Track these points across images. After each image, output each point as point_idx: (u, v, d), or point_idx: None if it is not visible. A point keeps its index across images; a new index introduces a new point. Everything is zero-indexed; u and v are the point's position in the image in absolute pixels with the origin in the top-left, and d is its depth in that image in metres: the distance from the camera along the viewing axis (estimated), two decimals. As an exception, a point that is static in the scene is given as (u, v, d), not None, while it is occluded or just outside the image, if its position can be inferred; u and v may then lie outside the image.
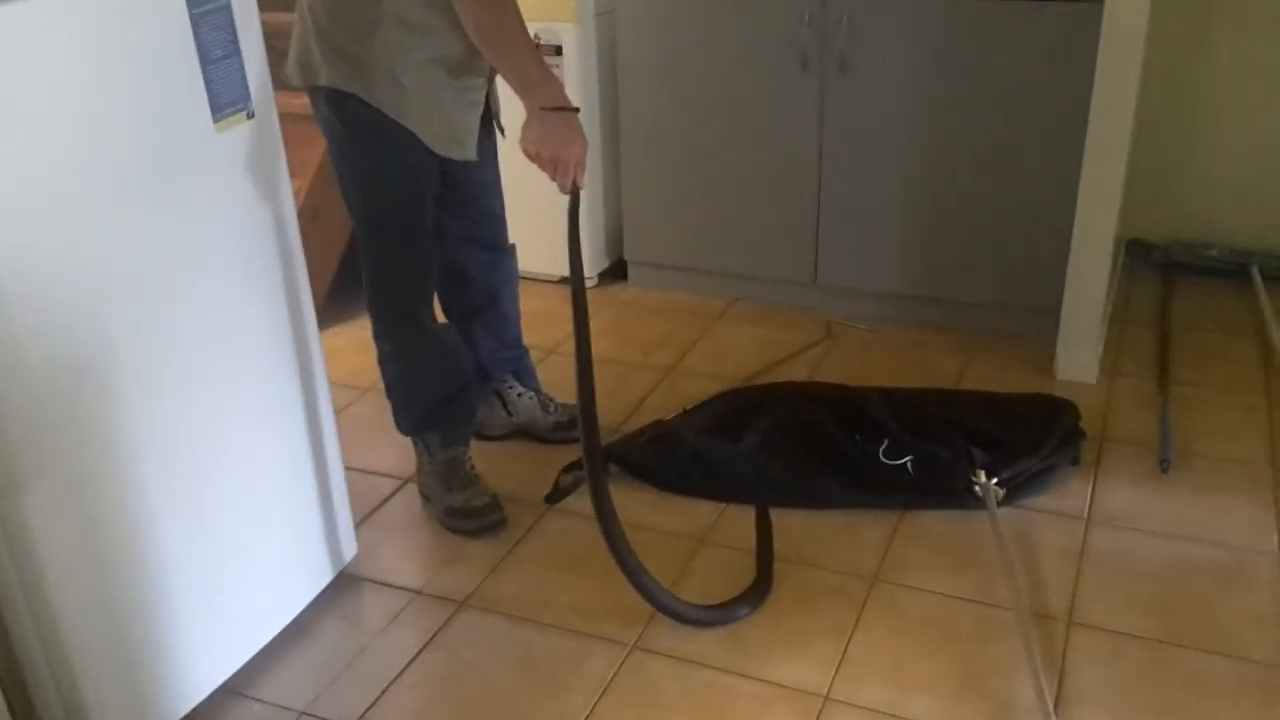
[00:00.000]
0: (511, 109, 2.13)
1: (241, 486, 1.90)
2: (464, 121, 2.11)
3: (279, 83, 1.86)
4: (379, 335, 2.31)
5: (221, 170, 1.76)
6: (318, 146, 3.07)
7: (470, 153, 2.14)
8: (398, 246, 2.20)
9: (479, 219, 2.36)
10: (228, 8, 1.70)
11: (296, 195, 1.96)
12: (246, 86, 1.77)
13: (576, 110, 2.04)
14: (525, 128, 2.02)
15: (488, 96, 2.19)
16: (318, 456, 2.07)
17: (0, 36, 1.40)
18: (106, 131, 1.56)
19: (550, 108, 2.00)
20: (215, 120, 1.72)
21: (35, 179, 1.47)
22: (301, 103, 2.23)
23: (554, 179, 2.05)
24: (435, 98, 2.05)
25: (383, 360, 2.34)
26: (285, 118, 1.89)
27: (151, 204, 1.65)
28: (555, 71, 3.12)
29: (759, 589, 2.14)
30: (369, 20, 1.98)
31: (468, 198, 2.31)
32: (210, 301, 1.77)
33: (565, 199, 2.07)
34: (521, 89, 2.02)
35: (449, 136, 2.10)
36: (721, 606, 2.10)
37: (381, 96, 2.02)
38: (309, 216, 2.97)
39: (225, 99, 1.73)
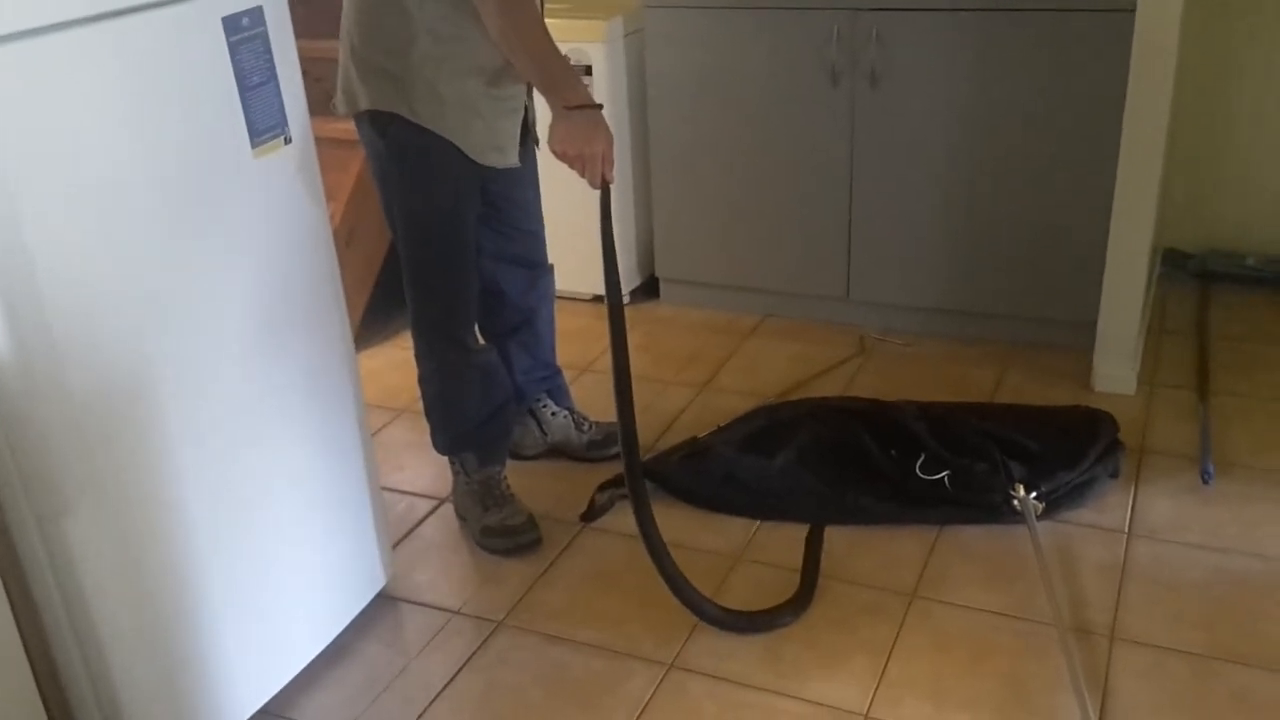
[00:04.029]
0: (543, 118, 2.15)
1: (281, 509, 1.91)
2: (504, 129, 2.14)
3: (312, 108, 1.88)
4: (420, 354, 2.33)
5: (259, 195, 1.78)
6: (351, 170, 3.11)
7: (512, 159, 2.17)
8: (440, 265, 2.21)
9: (518, 237, 2.38)
10: (264, 34, 1.73)
11: (331, 219, 1.98)
12: (283, 112, 1.79)
13: (600, 107, 2.05)
14: (552, 127, 2.04)
15: (526, 106, 2.21)
16: (357, 478, 2.08)
17: (44, 64, 1.42)
18: (147, 158, 1.58)
19: (574, 106, 2.02)
20: (253, 146, 1.74)
21: (79, 205, 1.49)
22: (334, 127, 2.25)
23: (583, 175, 2.07)
24: (474, 108, 2.08)
25: (423, 379, 2.35)
26: (319, 142, 1.91)
27: (191, 229, 1.67)
28: (585, 91, 3.15)
29: (802, 598, 2.14)
30: (404, 37, 2.01)
31: (507, 216, 2.33)
32: (249, 325, 1.79)
33: (597, 216, 2.08)
34: (545, 89, 2.04)
35: (490, 145, 2.12)
36: (764, 612, 2.10)
37: (422, 111, 2.05)
38: (344, 240, 3.00)
39: (263, 124, 1.75)
